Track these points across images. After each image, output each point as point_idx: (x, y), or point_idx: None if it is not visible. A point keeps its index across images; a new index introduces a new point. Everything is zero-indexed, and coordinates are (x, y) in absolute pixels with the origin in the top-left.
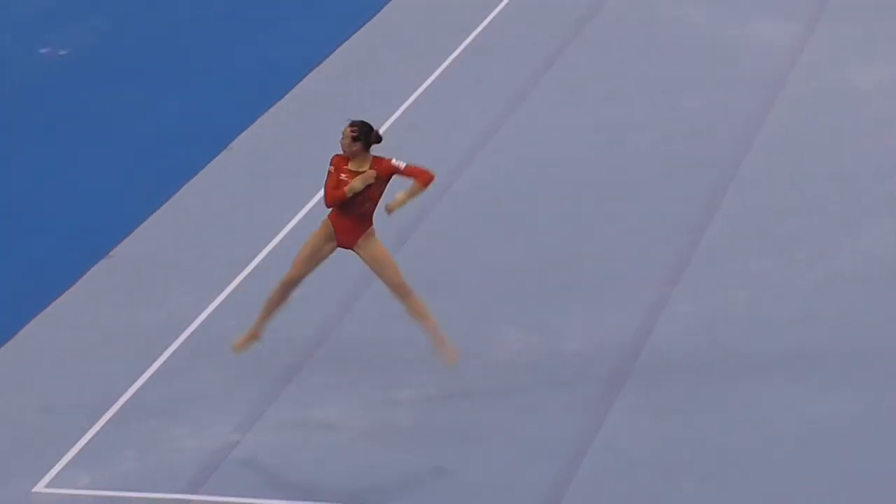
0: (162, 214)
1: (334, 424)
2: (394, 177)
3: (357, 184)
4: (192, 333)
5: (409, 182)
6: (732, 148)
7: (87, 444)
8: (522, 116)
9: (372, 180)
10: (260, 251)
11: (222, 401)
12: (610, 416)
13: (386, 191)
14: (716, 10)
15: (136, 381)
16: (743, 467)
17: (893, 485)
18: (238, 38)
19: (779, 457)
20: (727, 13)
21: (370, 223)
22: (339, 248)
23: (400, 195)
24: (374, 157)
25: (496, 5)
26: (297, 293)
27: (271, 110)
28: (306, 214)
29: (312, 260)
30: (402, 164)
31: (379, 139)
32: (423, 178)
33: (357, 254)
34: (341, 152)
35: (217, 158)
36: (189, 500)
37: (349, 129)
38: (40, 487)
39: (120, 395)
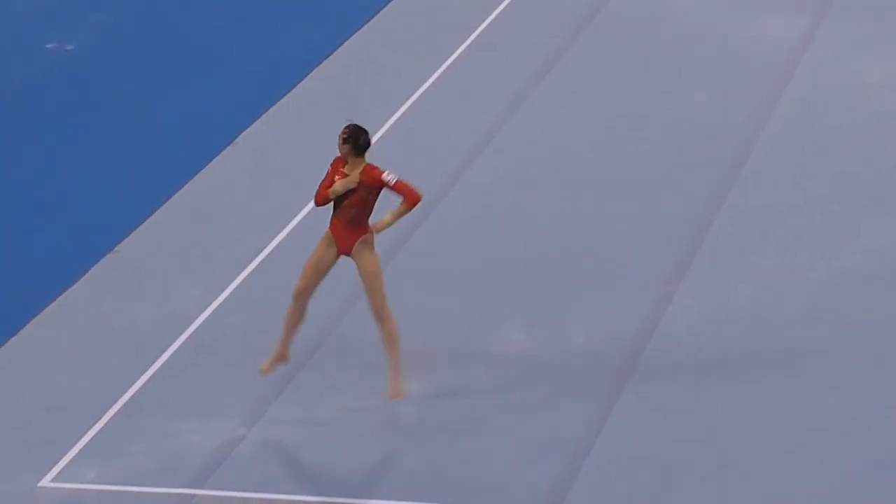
0: (166, 211)
1: (338, 420)
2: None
3: (338, 186)
4: (197, 329)
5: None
6: (737, 145)
7: (92, 438)
8: (525, 114)
9: (353, 185)
10: (264, 248)
11: (227, 396)
12: (613, 414)
13: (381, 202)
14: (720, 5)
15: (141, 376)
16: (743, 467)
17: (894, 485)
18: (241, 37)
19: (779, 457)
20: (732, 9)
21: (363, 230)
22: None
23: (386, 216)
24: (368, 165)
25: (498, 4)
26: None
27: (273, 108)
28: (310, 212)
29: (318, 268)
30: (392, 180)
31: (366, 144)
32: (410, 199)
33: (353, 261)
34: None
35: (220, 155)
36: (194, 495)
37: (342, 131)
38: (46, 482)
39: (125, 391)
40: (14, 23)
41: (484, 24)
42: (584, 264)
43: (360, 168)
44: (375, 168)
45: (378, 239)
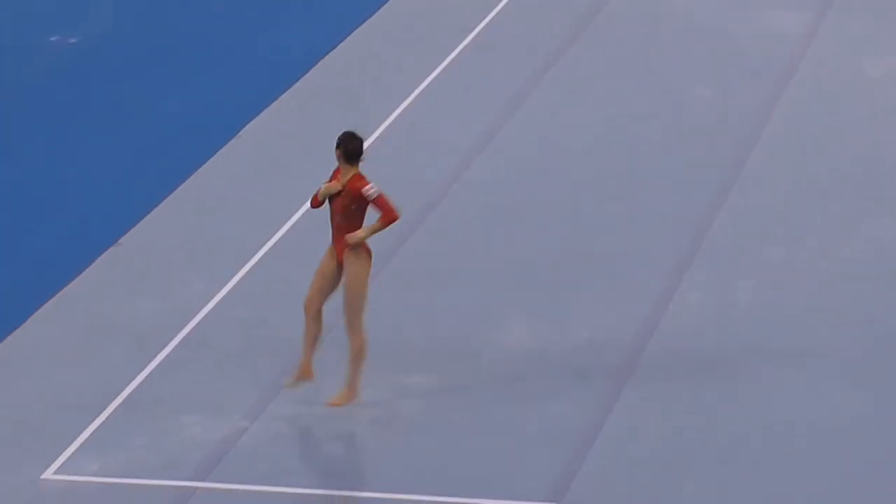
0: (169, 204)
1: (340, 414)
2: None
3: (323, 190)
4: (200, 322)
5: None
6: (738, 143)
7: (95, 431)
8: (528, 111)
9: (334, 191)
10: (267, 241)
11: (230, 389)
12: (614, 411)
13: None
14: (721, 2)
15: (143, 369)
16: (743, 464)
17: (894, 485)
18: (244, 34)
19: (779, 455)
20: (733, 5)
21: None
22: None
23: (360, 231)
24: (357, 174)
25: (497, 3)
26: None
27: (275, 103)
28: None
29: (322, 276)
30: (374, 194)
31: (356, 151)
32: (386, 217)
33: None
34: None
35: (223, 149)
36: (196, 488)
37: (337, 138)
38: (48, 474)
39: (128, 384)
40: (18, 15)
41: (483, 23)
42: (586, 262)
43: (350, 176)
44: (362, 179)
45: (379, 237)
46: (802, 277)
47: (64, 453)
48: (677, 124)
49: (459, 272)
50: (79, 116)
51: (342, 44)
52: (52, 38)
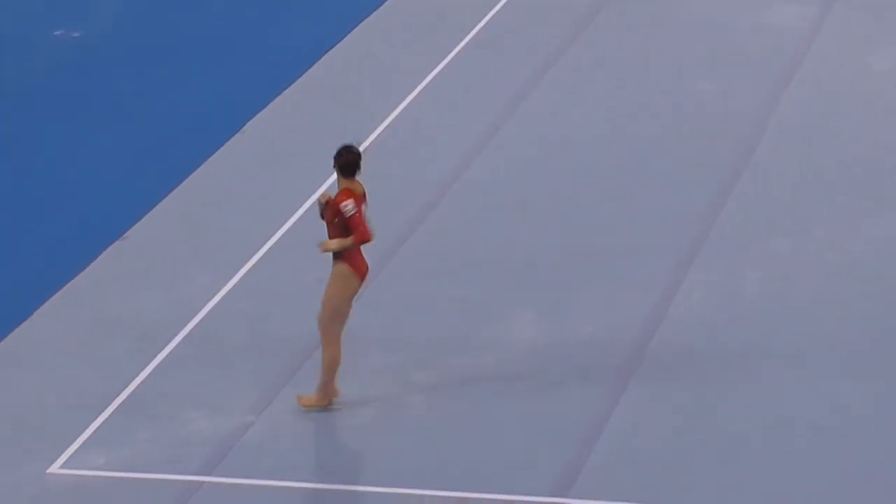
0: (174, 198)
1: (347, 407)
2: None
3: (316, 197)
4: (205, 316)
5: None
6: (744, 136)
7: (101, 426)
8: (528, 110)
9: (322, 202)
10: (272, 235)
11: (236, 384)
12: (620, 406)
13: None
14: None
15: (149, 363)
16: (745, 461)
17: (894, 485)
18: (247, 31)
19: (781, 453)
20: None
21: (337, 255)
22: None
23: (332, 241)
24: (346, 189)
25: (498, 1)
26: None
27: (279, 98)
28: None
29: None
30: (348, 212)
31: (346, 164)
32: (357, 238)
33: None
34: None
35: (228, 143)
36: (203, 482)
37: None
38: (55, 468)
39: (133, 378)
40: (24, 8)
41: (483, 22)
42: (587, 260)
43: (341, 188)
44: (346, 193)
45: (383, 233)
46: (809, 269)
47: (70, 448)
48: (679, 122)
49: (460, 271)
50: (83, 111)
51: (342, 42)
52: (57, 33)
